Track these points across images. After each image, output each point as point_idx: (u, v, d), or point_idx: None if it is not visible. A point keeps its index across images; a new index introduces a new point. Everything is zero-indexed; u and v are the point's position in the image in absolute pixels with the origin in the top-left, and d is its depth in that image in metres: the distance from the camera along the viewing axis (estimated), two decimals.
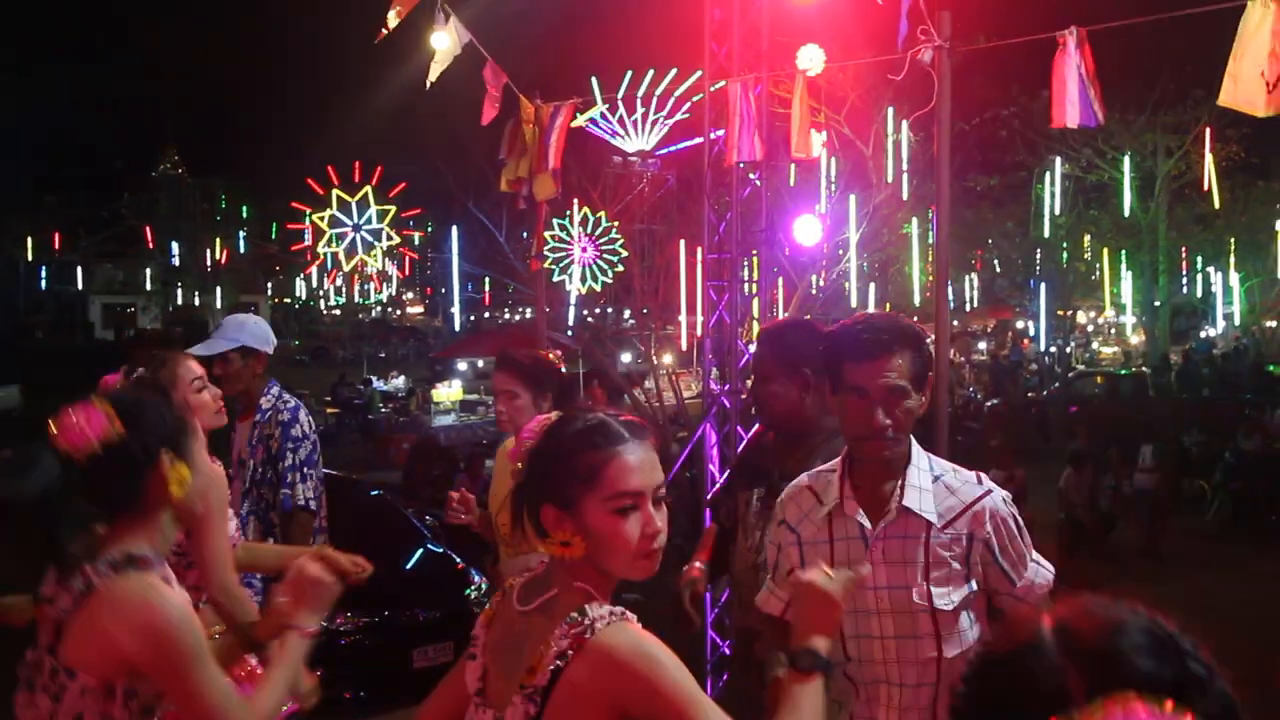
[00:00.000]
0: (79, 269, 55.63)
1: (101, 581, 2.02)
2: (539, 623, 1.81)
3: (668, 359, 18.71)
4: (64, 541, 2.06)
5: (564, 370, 4.01)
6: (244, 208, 60.51)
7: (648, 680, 1.70)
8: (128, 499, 2.12)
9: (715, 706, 1.72)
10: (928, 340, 2.44)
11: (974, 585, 2.37)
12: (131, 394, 2.41)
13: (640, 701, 1.70)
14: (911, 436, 2.42)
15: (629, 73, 12.30)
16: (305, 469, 4.23)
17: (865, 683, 2.44)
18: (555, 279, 30.05)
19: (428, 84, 5.15)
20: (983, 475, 2.47)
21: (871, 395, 2.30)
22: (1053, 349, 30.04)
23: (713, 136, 5.71)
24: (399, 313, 63.96)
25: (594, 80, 9.66)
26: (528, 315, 44.79)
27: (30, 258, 51.66)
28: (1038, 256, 29.49)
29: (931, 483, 2.39)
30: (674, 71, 12.20)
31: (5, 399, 23.80)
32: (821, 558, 2.41)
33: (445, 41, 5.03)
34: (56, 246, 53.79)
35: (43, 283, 54.73)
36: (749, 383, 3.47)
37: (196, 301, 54.15)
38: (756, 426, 3.91)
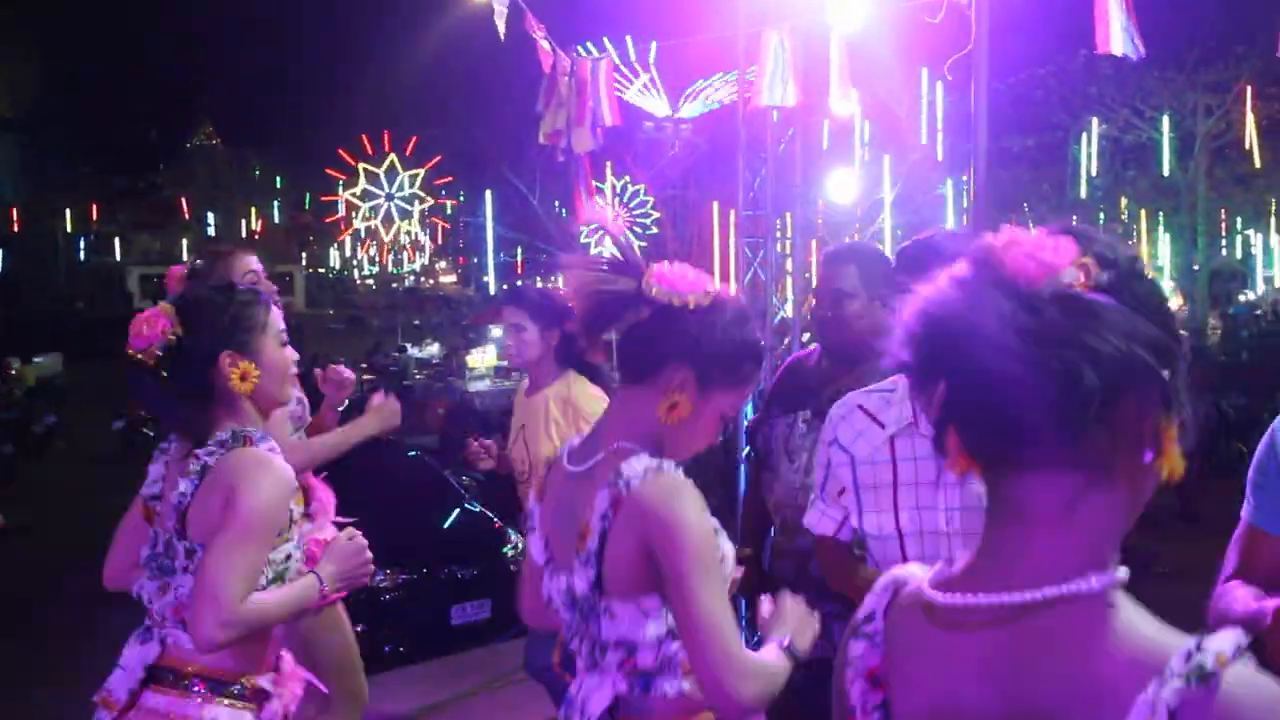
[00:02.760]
0: (117, 240, 56.26)
1: (215, 460, 2.22)
2: (585, 486, 1.86)
3: None
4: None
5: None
6: (278, 178, 60.91)
7: (666, 529, 1.75)
8: (202, 394, 2.27)
9: (719, 579, 1.79)
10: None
11: None
12: (193, 294, 2.41)
13: (659, 545, 1.76)
14: None
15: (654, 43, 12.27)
16: None
17: None
18: (583, 240, 30.09)
19: (501, 36, 5.20)
20: None
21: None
22: None
23: (748, 95, 5.72)
24: (431, 282, 64.22)
25: (629, 41, 9.63)
26: (560, 284, 44.83)
27: (69, 229, 52.27)
28: (1074, 220, 29.21)
29: None
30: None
31: (49, 366, 24.41)
32: (883, 479, 2.39)
33: None
34: (94, 218, 54.40)
35: (81, 254, 55.38)
36: (810, 305, 3.49)
37: None
38: (796, 353, 3.94)
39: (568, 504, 1.91)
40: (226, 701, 2.22)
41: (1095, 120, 22.47)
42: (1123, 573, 0.99)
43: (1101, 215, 28.08)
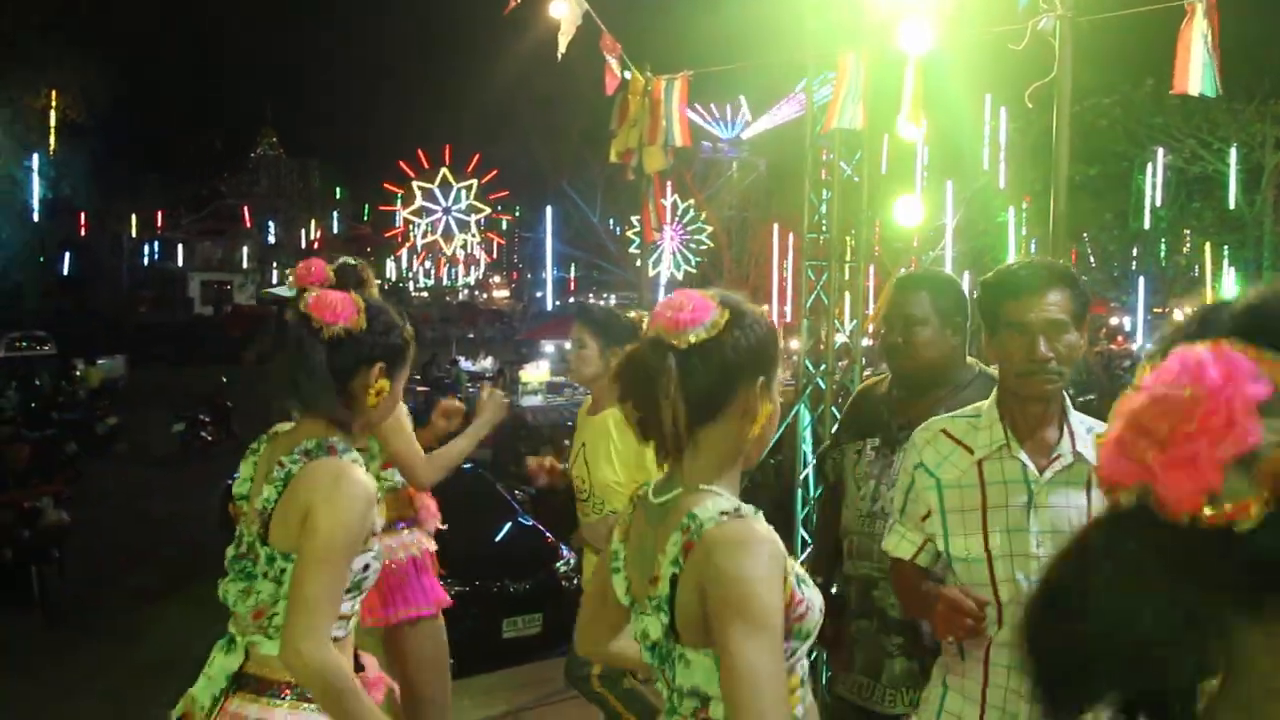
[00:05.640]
0: (179, 246, 57.29)
1: (297, 468, 2.24)
2: (660, 528, 1.79)
3: None
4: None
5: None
6: (338, 189, 61.74)
7: (723, 580, 1.65)
8: (343, 391, 2.33)
9: (770, 637, 1.64)
10: (1082, 281, 2.41)
11: None
12: (381, 304, 2.48)
13: (713, 593, 1.67)
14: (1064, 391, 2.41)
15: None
16: None
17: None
18: (638, 264, 30.16)
19: (559, 55, 5.23)
20: None
21: (1032, 328, 2.31)
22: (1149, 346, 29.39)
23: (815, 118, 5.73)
24: (485, 296, 64.72)
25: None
26: (612, 300, 45.12)
27: (134, 235, 53.31)
28: (1135, 251, 28.81)
29: (1086, 432, 2.39)
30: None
31: (113, 369, 24.94)
32: (969, 502, 2.41)
33: (564, 10, 5.13)
34: (159, 225, 55.47)
35: (145, 259, 56.45)
36: (879, 330, 3.44)
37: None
38: (866, 379, 3.91)
39: (646, 544, 1.84)
40: (312, 708, 2.24)
41: (1160, 151, 22.20)
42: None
43: (1164, 246, 27.71)
